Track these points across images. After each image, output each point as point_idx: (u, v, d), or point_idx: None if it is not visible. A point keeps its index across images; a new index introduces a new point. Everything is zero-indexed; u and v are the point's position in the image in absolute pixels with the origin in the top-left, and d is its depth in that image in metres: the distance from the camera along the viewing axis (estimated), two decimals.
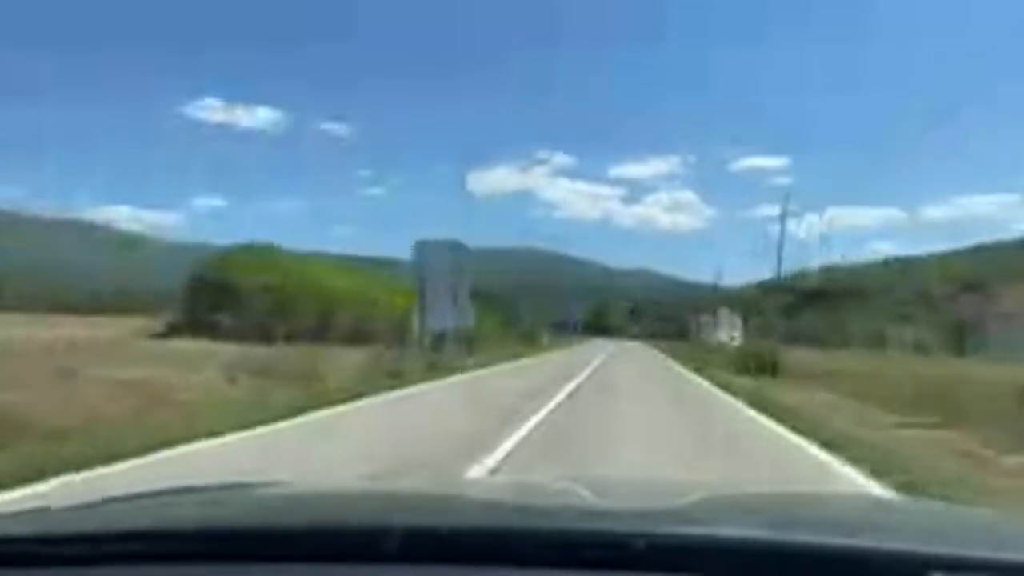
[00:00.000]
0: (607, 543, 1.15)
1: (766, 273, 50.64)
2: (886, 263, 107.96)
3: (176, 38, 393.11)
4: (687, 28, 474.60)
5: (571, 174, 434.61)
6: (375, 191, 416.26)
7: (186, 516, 1.47)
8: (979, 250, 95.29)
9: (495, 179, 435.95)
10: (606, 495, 1.92)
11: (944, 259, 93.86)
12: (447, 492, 2.15)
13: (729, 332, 68.40)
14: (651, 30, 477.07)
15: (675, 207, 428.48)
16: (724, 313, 78.17)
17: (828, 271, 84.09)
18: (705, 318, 77.76)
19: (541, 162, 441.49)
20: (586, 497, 1.84)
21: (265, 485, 1.94)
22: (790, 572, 1.08)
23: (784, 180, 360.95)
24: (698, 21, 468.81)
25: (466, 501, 1.70)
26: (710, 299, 79.61)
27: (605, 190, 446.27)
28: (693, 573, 1.08)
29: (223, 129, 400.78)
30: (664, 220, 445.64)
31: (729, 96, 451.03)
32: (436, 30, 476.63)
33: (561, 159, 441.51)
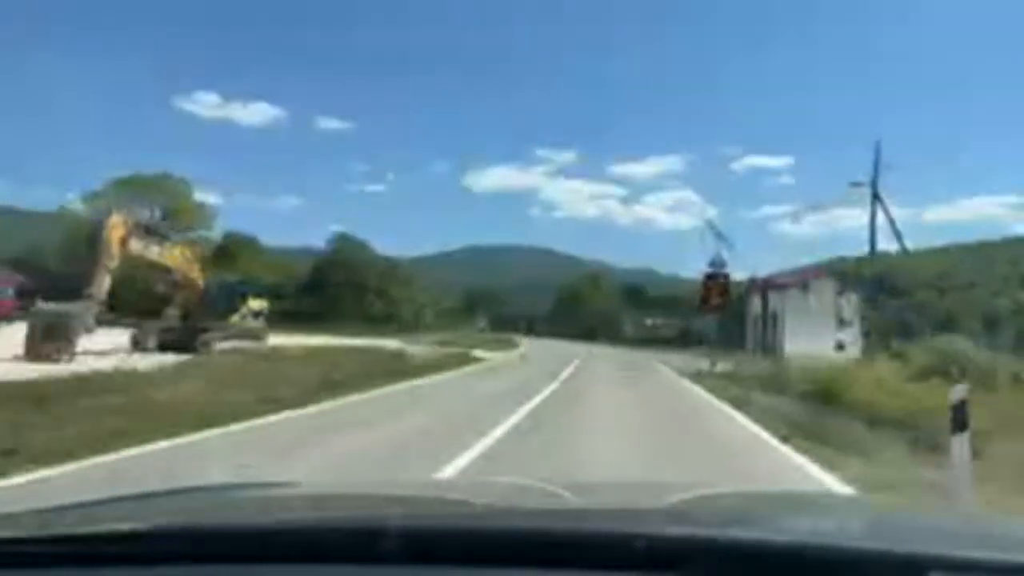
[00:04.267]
0: (604, 543, 1.15)
1: (763, 272, 45.78)
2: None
3: (169, 30, 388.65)
4: (689, 27, 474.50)
5: (570, 173, 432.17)
6: (373, 188, 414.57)
7: (184, 517, 1.48)
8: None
9: (494, 177, 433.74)
10: (601, 496, 1.94)
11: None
12: (442, 493, 2.16)
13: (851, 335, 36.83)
14: (652, 29, 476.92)
15: (676, 207, 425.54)
16: (827, 290, 41.59)
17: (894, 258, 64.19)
18: (775, 300, 39.54)
19: (541, 161, 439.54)
20: (581, 498, 1.85)
21: (265, 486, 1.94)
22: (788, 573, 1.07)
23: (787, 179, 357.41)
24: (700, 20, 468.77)
25: (462, 502, 1.71)
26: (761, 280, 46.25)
27: (605, 189, 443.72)
28: (691, 573, 1.07)
29: (218, 124, 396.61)
30: (664, 220, 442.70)
31: (731, 95, 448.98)
32: (436, 27, 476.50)
33: (561, 157, 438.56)
